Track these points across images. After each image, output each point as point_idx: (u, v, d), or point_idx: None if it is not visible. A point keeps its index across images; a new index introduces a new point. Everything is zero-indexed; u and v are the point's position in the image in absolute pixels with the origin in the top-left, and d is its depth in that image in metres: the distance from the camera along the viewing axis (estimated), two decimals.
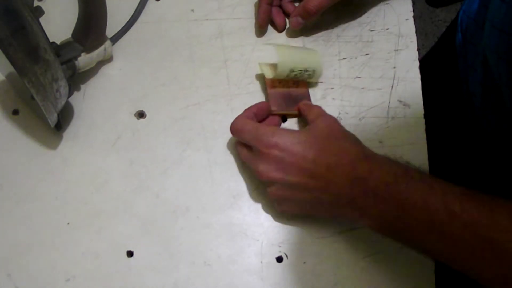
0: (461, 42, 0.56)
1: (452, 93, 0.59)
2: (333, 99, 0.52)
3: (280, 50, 0.49)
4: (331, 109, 0.51)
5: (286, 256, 0.47)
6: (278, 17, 0.54)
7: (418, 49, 0.53)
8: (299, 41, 0.54)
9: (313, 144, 0.43)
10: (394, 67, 0.52)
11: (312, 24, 0.54)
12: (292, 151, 0.42)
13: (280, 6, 0.55)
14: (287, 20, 0.55)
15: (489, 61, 0.47)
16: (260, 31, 0.55)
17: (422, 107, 0.51)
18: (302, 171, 0.42)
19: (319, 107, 0.49)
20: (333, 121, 0.46)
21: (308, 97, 0.52)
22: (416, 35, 0.54)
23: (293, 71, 0.50)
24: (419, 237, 0.39)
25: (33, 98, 0.44)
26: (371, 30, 0.54)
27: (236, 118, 0.47)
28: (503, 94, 0.46)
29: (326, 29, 0.54)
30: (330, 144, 0.43)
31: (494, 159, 0.54)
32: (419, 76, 0.52)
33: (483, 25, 0.48)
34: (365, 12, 0.55)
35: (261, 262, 0.47)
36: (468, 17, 0.55)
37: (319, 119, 0.46)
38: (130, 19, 0.54)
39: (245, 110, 0.48)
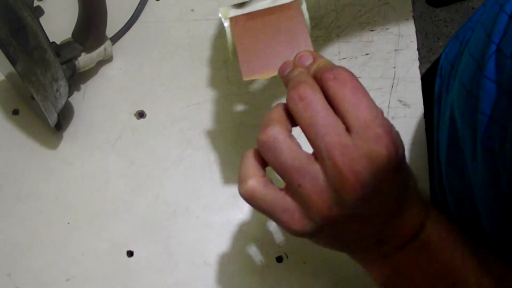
0: (439, 87, 0.50)
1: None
2: None
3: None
4: None
5: (286, 256, 0.47)
6: None
7: (418, 49, 0.53)
8: None
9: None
10: (394, 67, 0.52)
11: (311, 24, 0.54)
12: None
13: None
14: None
15: (456, 119, 0.41)
16: None
17: (422, 107, 0.51)
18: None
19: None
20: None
21: (304, 35, 0.36)
22: (416, 35, 0.54)
23: None
24: None
25: (33, 98, 0.44)
26: (371, 30, 0.54)
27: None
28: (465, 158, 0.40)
29: (326, 29, 0.54)
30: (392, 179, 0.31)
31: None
32: (419, 76, 0.52)
33: (456, 75, 0.43)
34: (365, 12, 0.55)
35: (261, 262, 0.47)
36: (448, 61, 0.49)
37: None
38: (130, 19, 0.54)
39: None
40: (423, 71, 0.53)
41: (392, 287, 0.35)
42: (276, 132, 0.30)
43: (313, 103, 0.29)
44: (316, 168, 0.29)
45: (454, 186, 0.43)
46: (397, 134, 0.30)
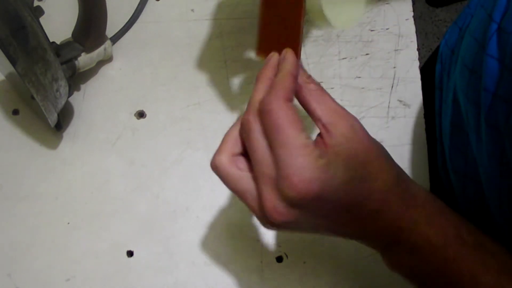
0: (440, 73, 0.51)
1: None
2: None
3: None
4: None
5: (286, 256, 0.47)
6: None
7: (418, 49, 0.53)
8: None
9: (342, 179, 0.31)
10: (394, 67, 0.52)
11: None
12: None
13: None
14: None
15: (459, 101, 0.42)
16: None
17: (422, 107, 0.51)
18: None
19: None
20: (362, 133, 0.33)
21: (295, 29, 0.34)
22: (416, 35, 0.54)
23: None
24: None
25: (33, 98, 0.44)
26: (371, 30, 0.54)
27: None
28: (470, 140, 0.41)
29: (326, 29, 0.54)
30: (366, 172, 0.32)
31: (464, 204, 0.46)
32: (419, 76, 0.52)
33: (457, 59, 0.44)
34: (365, 12, 0.55)
35: (261, 262, 0.47)
36: (448, 47, 0.50)
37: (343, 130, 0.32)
38: (130, 19, 0.54)
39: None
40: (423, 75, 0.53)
41: (400, 273, 0.36)
42: (218, 161, 0.34)
43: (252, 132, 0.32)
44: (254, 187, 0.32)
45: (459, 167, 0.43)
46: (323, 167, 0.30)
